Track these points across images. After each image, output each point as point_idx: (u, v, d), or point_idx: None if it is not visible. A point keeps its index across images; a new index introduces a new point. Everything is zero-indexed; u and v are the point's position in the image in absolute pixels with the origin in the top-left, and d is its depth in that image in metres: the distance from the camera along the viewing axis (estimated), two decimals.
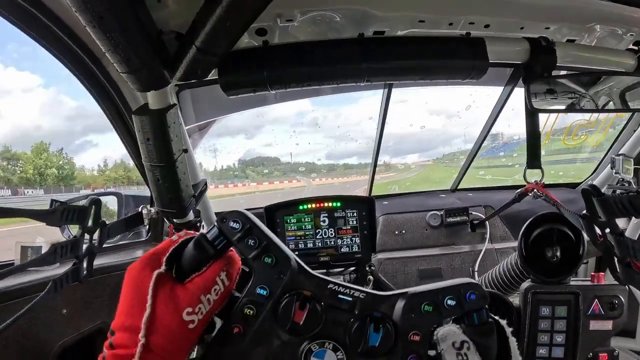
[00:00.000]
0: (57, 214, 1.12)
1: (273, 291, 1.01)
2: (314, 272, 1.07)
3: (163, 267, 0.88)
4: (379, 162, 2.84)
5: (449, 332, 0.96)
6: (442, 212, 2.38)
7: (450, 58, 1.39)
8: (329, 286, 1.05)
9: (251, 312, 0.99)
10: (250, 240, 1.00)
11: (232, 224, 1.00)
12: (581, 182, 2.68)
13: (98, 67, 1.42)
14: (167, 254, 0.91)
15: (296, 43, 1.37)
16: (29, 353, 1.27)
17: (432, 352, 0.98)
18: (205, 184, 1.62)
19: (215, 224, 1.00)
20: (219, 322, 1.01)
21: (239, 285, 1.03)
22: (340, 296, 1.04)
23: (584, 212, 1.30)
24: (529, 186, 1.61)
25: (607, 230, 1.26)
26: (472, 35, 1.43)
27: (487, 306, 0.98)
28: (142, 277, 0.86)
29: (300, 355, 1.01)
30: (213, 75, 1.31)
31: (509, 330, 0.97)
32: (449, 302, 0.97)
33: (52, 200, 1.16)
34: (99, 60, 1.41)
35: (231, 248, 1.01)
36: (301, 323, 0.97)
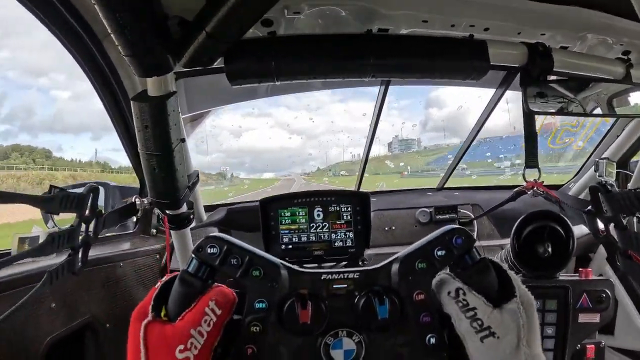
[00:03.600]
0: (56, 201, 1.08)
1: (271, 301, 1.02)
2: (303, 269, 1.09)
3: (150, 315, 0.91)
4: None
5: (442, 280, 0.99)
6: (431, 209, 2.42)
7: (454, 58, 1.42)
8: (322, 277, 1.07)
9: (257, 328, 1.01)
10: (232, 260, 1.02)
11: (209, 249, 1.00)
12: (563, 184, 2.79)
13: (98, 50, 1.37)
14: (152, 302, 0.94)
15: (304, 35, 1.36)
16: (16, 349, 1.21)
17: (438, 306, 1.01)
18: (198, 175, 1.59)
19: (193, 255, 1.00)
20: None
21: (238, 309, 1.04)
22: (336, 285, 1.05)
23: (589, 207, 1.37)
24: (528, 184, 1.65)
25: (612, 225, 1.32)
26: (470, 35, 1.47)
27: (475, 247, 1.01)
28: (135, 331, 0.90)
29: (319, 352, 1.01)
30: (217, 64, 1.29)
31: (504, 265, 1.00)
32: (439, 252, 1.01)
33: (52, 186, 1.11)
34: (100, 43, 1.37)
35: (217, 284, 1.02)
36: (309, 322, 0.98)
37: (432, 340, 1.01)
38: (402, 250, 1.07)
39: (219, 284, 1.04)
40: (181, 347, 0.88)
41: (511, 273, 0.98)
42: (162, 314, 0.95)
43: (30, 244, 1.31)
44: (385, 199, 2.64)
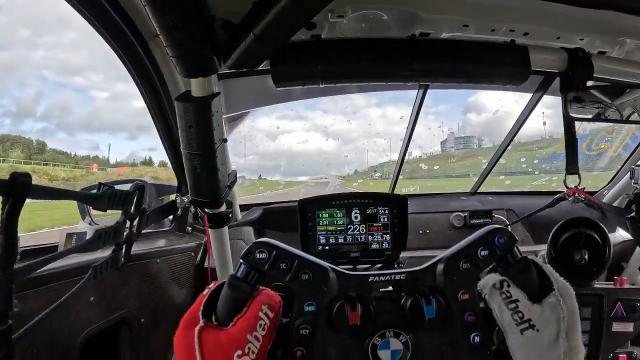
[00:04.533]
0: (104, 198, 1.10)
1: (320, 304, 1.04)
2: (351, 272, 1.10)
3: (202, 321, 0.92)
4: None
5: (488, 278, 1.01)
6: (465, 214, 2.41)
7: (496, 63, 1.42)
8: (369, 280, 1.08)
9: (307, 331, 1.02)
10: (281, 265, 1.04)
11: (258, 255, 1.03)
12: (597, 191, 2.73)
13: (144, 50, 1.39)
14: (202, 308, 0.95)
15: (349, 39, 1.37)
16: (55, 340, 1.23)
17: (482, 304, 1.04)
18: (236, 175, 1.60)
19: (242, 260, 1.03)
20: None
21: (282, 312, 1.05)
22: (382, 287, 1.07)
23: (633, 214, 1.36)
24: (569, 190, 1.64)
25: None
26: (511, 40, 1.46)
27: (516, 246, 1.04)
28: (187, 338, 0.90)
29: (367, 353, 1.02)
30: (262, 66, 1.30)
31: (540, 261, 1.02)
32: (482, 252, 1.03)
33: (100, 184, 1.13)
34: (146, 44, 1.39)
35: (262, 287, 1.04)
36: (358, 323, 1.00)
37: (477, 339, 1.02)
38: (445, 251, 1.09)
39: (265, 287, 1.05)
40: (239, 352, 0.89)
41: (549, 268, 1.00)
42: (212, 320, 0.96)
43: (78, 239, 1.33)
44: (419, 202, 2.63)
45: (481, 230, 1.07)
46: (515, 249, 1.03)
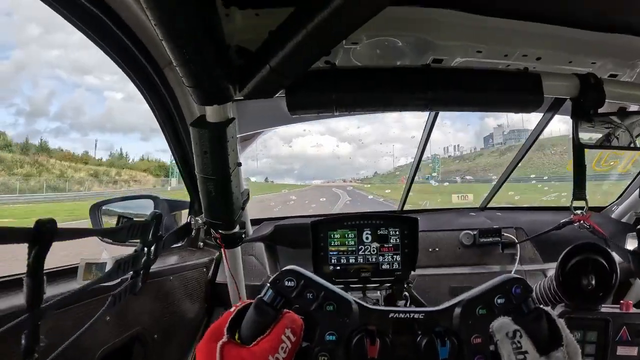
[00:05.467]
0: (123, 232, 1.12)
1: (341, 335, 1.06)
2: (373, 306, 1.13)
3: (225, 337, 0.93)
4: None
5: (502, 323, 1.03)
6: (475, 232, 2.42)
7: (509, 91, 1.42)
8: (390, 316, 1.11)
9: (325, 359, 1.04)
10: (308, 294, 1.06)
11: (287, 282, 1.05)
12: (606, 207, 2.72)
13: (159, 77, 1.41)
14: (227, 324, 0.96)
15: (364, 67, 1.39)
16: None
17: (492, 347, 1.05)
18: (248, 193, 1.62)
19: (269, 285, 1.05)
20: None
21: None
22: (400, 325, 1.10)
23: (635, 247, 1.37)
24: (575, 217, 1.64)
25: None
26: (525, 68, 1.47)
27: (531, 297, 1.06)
28: (210, 350, 0.91)
29: None
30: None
31: (554, 314, 1.04)
32: (499, 300, 1.06)
33: (119, 218, 1.15)
34: (162, 71, 1.40)
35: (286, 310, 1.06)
36: (376, 357, 1.03)
37: None
38: (464, 295, 1.11)
39: (288, 310, 1.07)
40: None
41: (560, 322, 1.02)
42: (235, 337, 0.98)
43: (97, 269, 1.35)
44: (429, 218, 2.63)
45: (499, 278, 1.09)
46: (530, 299, 1.05)
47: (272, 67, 1.09)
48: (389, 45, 1.38)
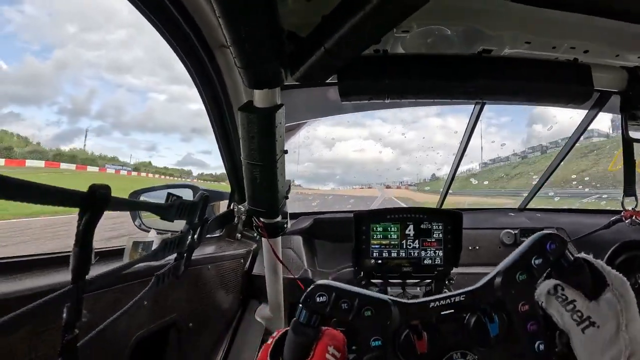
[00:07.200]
0: (173, 209, 1.10)
1: (386, 337, 1.02)
2: (411, 301, 1.09)
3: None
4: None
5: (542, 286, 1.01)
6: (516, 231, 2.36)
7: (559, 82, 1.38)
8: (430, 306, 1.06)
9: None
10: (343, 305, 1.02)
11: (318, 298, 1.01)
12: None
13: (209, 59, 1.40)
14: (268, 356, 0.95)
15: (415, 54, 1.35)
16: (107, 342, 1.25)
17: (541, 312, 1.01)
18: (290, 185, 1.60)
19: (301, 305, 1.01)
20: None
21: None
22: (443, 312, 1.05)
23: None
24: (626, 213, 1.59)
25: None
26: (574, 59, 1.42)
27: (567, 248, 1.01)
28: None
29: None
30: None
31: (597, 261, 0.99)
32: (536, 261, 1.01)
33: (169, 194, 1.14)
34: (212, 53, 1.39)
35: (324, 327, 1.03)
36: (426, 351, 0.99)
37: (541, 347, 1.00)
38: (499, 265, 1.06)
39: (327, 327, 1.04)
40: None
41: (600, 263, 0.98)
42: None
43: (143, 248, 1.35)
44: (468, 217, 2.53)
45: (530, 238, 1.04)
46: (567, 251, 1.01)
47: (326, 48, 1.07)
48: (438, 35, 1.34)
